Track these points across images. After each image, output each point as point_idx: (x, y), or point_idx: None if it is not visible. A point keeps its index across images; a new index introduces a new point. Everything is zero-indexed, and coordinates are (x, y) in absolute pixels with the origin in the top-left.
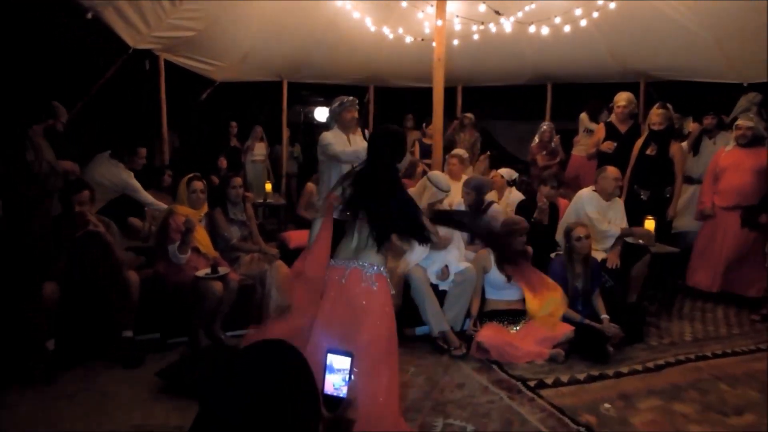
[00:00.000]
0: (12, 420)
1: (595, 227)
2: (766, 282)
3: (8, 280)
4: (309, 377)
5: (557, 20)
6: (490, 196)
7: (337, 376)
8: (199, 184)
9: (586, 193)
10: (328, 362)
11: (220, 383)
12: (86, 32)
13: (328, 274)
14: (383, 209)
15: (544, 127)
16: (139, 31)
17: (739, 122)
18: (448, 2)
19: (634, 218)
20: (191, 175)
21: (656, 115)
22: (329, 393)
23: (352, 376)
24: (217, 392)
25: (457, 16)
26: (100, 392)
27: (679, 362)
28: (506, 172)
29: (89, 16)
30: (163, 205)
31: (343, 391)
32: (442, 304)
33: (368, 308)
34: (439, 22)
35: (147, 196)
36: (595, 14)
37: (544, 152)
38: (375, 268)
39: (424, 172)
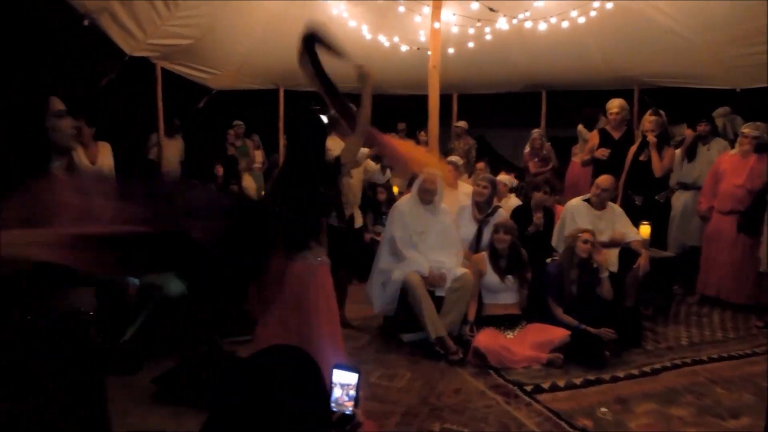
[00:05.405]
0: None
1: None
2: (756, 289)
3: None
4: (322, 385)
5: (553, 20)
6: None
7: (341, 391)
8: None
9: (575, 204)
10: (333, 378)
11: (231, 392)
12: (84, 40)
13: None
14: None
15: (534, 134)
16: (136, 39)
17: (745, 130)
18: (446, 6)
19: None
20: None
21: (649, 122)
22: (333, 409)
23: (360, 393)
24: (228, 401)
25: (454, 14)
26: None
27: (675, 366)
28: (507, 179)
29: (86, 23)
30: None
31: (348, 408)
32: (438, 309)
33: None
34: (437, 25)
35: None
36: (593, 13)
37: (536, 159)
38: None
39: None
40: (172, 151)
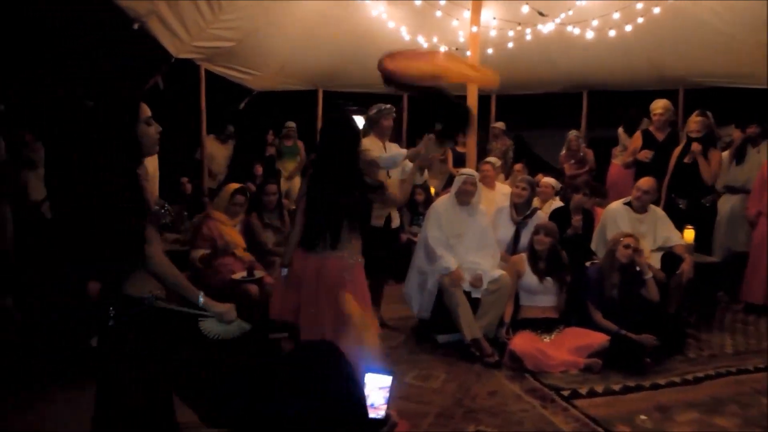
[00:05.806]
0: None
1: None
2: None
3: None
4: (354, 378)
5: (595, 23)
6: (534, 202)
7: (375, 394)
8: (241, 199)
9: (615, 207)
10: (366, 381)
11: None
12: (132, 43)
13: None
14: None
15: (570, 136)
16: (182, 41)
17: None
18: (486, 7)
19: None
20: (238, 186)
21: (694, 123)
22: (368, 413)
23: (392, 395)
24: (265, 397)
25: (495, 18)
26: None
27: (719, 375)
28: (553, 182)
29: (135, 26)
30: None
31: (381, 411)
32: (474, 311)
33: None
34: (474, 29)
35: None
36: (640, 20)
37: (573, 161)
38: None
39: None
40: (222, 155)
